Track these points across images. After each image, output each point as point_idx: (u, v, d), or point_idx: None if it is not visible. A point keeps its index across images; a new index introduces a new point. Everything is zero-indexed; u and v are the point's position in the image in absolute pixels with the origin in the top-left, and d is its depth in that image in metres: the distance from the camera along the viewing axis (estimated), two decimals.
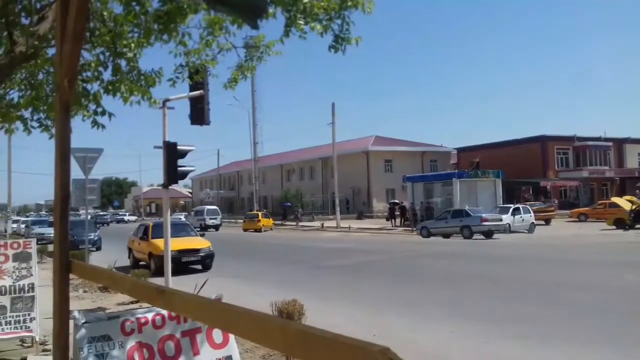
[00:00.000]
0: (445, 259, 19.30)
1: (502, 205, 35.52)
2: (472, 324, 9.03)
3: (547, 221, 37.92)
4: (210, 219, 48.22)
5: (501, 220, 30.18)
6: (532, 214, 33.43)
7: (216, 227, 47.22)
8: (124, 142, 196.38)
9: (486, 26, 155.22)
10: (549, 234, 30.66)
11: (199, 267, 17.53)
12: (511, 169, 47.53)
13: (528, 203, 38.76)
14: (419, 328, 8.88)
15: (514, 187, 48.11)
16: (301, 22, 5.60)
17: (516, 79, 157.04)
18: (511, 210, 32.54)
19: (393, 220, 42.30)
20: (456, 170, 49.46)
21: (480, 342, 7.87)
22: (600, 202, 41.86)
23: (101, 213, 77.01)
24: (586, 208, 42.34)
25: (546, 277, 14.11)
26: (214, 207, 54.28)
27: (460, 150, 64.32)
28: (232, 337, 3.91)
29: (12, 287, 6.86)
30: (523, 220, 32.32)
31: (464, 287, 12.95)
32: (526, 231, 31.89)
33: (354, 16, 5.92)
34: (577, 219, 39.84)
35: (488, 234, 28.83)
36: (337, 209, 44.51)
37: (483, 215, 29.69)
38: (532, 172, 52.10)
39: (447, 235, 29.99)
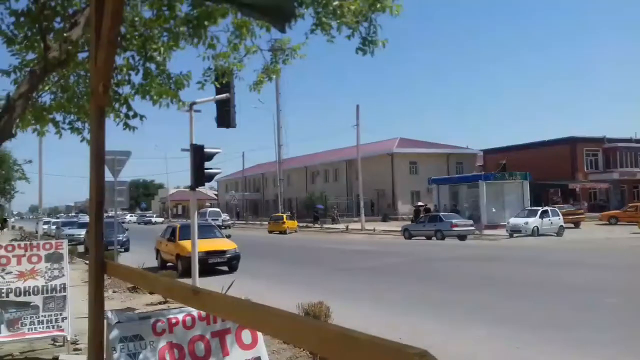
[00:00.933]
0: (470, 262, 19.09)
1: (530, 208, 34.98)
2: (499, 327, 8.89)
3: (577, 224, 37.22)
4: (212, 219, 50.15)
5: (472, 225, 32.58)
6: (561, 216, 32.93)
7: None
8: (152, 145, 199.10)
9: (518, 25, 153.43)
10: (578, 237, 30.09)
11: (225, 268, 17.69)
12: (539, 171, 46.75)
13: (557, 206, 38.09)
14: (444, 331, 8.77)
15: (542, 189, 47.27)
16: (332, 23, 5.61)
17: (542, 79, 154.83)
18: (539, 213, 32.07)
19: None
20: (482, 173, 48.88)
21: (512, 347, 7.72)
22: (631, 204, 40.89)
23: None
24: (616, 211, 41.45)
25: (577, 280, 13.84)
26: (217, 209, 65.11)
27: (487, 152, 63.40)
28: (261, 338, 3.93)
29: (45, 287, 6.98)
30: (552, 223, 31.85)
31: (490, 290, 12.78)
32: (555, 234, 31.41)
33: (380, 17, 5.91)
34: (608, 222, 39.03)
35: (461, 238, 30.89)
36: (362, 211, 44.40)
37: (453, 221, 31.97)
38: (561, 174, 51.15)
39: (429, 237, 32.15)
